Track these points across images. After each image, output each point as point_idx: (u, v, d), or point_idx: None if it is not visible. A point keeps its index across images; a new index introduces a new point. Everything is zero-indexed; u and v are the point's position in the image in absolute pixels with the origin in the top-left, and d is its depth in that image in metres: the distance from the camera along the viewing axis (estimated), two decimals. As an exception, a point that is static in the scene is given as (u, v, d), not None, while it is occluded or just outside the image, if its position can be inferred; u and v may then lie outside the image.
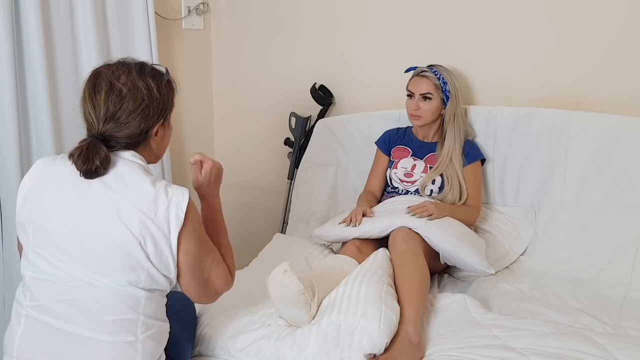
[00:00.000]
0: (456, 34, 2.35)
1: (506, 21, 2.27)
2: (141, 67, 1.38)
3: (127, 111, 1.31)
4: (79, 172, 1.30)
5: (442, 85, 2.12)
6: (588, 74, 2.18)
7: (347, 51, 2.59)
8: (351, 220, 2.01)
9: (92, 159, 1.28)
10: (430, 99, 2.13)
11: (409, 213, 1.95)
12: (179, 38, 2.69)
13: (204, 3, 2.76)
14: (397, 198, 2.17)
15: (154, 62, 2.33)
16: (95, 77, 1.34)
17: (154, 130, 1.38)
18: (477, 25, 2.31)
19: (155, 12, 2.38)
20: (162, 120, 1.40)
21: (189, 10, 2.70)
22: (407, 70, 2.23)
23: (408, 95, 2.18)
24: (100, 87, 1.32)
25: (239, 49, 2.84)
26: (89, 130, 1.34)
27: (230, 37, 2.85)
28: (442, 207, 2.01)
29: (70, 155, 1.31)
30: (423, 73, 2.15)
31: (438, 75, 2.13)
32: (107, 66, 1.37)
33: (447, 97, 2.14)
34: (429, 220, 1.93)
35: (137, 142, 1.37)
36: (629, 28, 2.09)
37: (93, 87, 1.33)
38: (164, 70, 1.44)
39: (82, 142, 1.31)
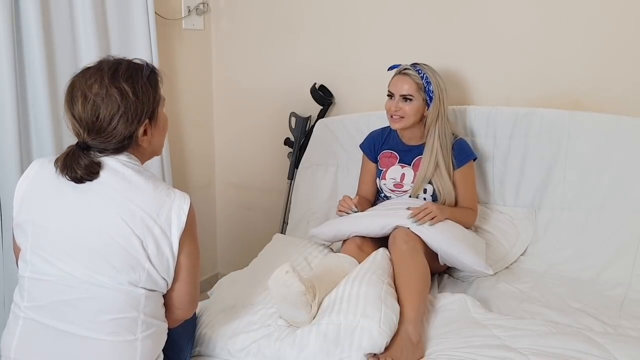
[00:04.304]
0: (456, 34, 2.35)
1: (506, 21, 2.27)
2: (115, 71, 1.33)
3: (105, 121, 1.30)
4: (67, 179, 1.30)
5: (425, 85, 2.01)
6: (588, 73, 2.18)
7: (347, 51, 2.59)
8: (343, 208, 2.01)
9: (73, 169, 1.29)
10: (411, 99, 2.02)
11: (410, 219, 1.89)
12: (179, 38, 2.70)
13: (204, 3, 2.76)
14: (397, 200, 2.16)
15: (154, 63, 2.34)
16: (71, 88, 1.34)
17: (140, 132, 1.36)
18: (477, 26, 2.31)
19: (155, 12, 2.38)
20: (146, 121, 1.37)
21: (189, 10, 2.70)
22: (390, 69, 2.11)
23: (388, 96, 2.06)
24: (76, 99, 1.32)
25: (239, 49, 2.84)
26: (77, 138, 1.35)
27: (230, 37, 2.85)
28: (443, 209, 1.97)
29: (55, 162, 1.32)
30: (405, 71, 2.03)
31: (421, 74, 2.01)
32: (82, 74, 1.35)
33: (430, 98, 2.02)
34: (431, 223, 1.89)
35: (124, 146, 1.36)
36: (629, 28, 2.09)
37: (71, 99, 1.33)
38: (143, 64, 1.39)
39: (67, 149, 1.33)
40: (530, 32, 2.24)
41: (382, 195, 2.23)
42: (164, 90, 1.45)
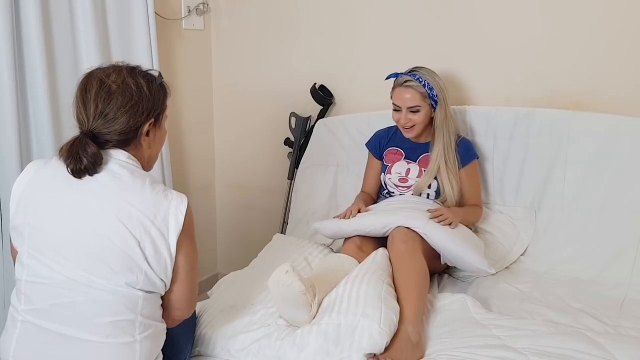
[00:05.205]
0: (456, 34, 2.35)
1: (506, 21, 2.27)
2: (132, 68, 1.40)
3: (115, 107, 1.32)
4: (68, 171, 1.30)
5: (428, 91, 2.03)
6: (588, 73, 2.18)
7: (347, 51, 2.59)
8: (345, 215, 2.03)
9: (79, 158, 1.28)
10: (418, 110, 2.04)
11: (430, 218, 1.92)
12: (179, 38, 2.70)
13: (204, 3, 2.76)
14: (400, 197, 2.17)
15: (154, 63, 2.35)
16: (88, 77, 1.36)
17: (144, 128, 1.38)
18: (477, 25, 2.31)
19: (155, 12, 2.38)
20: (152, 120, 1.39)
21: (189, 10, 2.70)
22: (388, 77, 2.12)
23: (395, 110, 2.09)
24: (91, 86, 1.33)
25: (239, 49, 2.84)
26: (80, 129, 1.35)
27: (230, 37, 2.85)
28: (456, 212, 2.01)
29: (60, 152, 1.32)
30: (407, 83, 2.04)
31: (423, 82, 2.02)
32: (100, 67, 1.38)
33: (436, 102, 2.05)
34: (450, 228, 1.92)
35: (127, 140, 1.36)
36: (630, 28, 2.09)
37: (85, 87, 1.34)
38: (156, 74, 1.45)
39: (72, 138, 1.32)
40: (531, 32, 2.24)
41: (385, 191, 2.24)
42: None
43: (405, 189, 2.17)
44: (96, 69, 1.38)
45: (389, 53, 2.49)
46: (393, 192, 2.21)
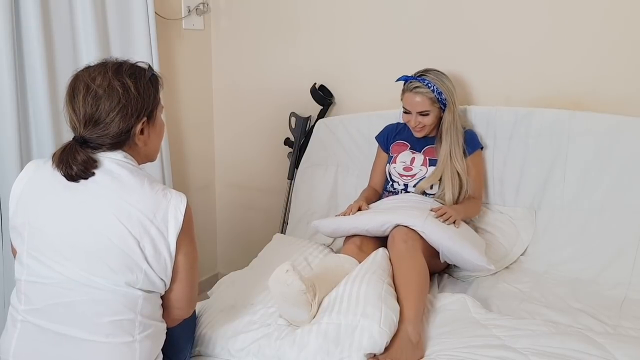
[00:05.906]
0: (456, 34, 2.35)
1: (506, 21, 2.27)
2: (119, 66, 1.36)
3: (104, 112, 1.30)
4: (62, 174, 1.30)
5: (437, 96, 2.08)
6: (588, 74, 2.18)
7: (347, 51, 2.59)
8: (346, 213, 2.05)
9: (69, 164, 1.28)
10: (427, 114, 2.11)
11: (434, 216, 1.94)
12: (179, 38, 2.70)
13: (204, 3, 2.76)
14: (400, 196, 2.17)
15: (154, 63, 2.35)
16: (74, 80, 1.34)
17: (137, 128, 1.36)
18: (477, 26, 2.31)
19: (155, 12, 2.38)
20: (144, 119, 1.37)
21: (189, 10, 2.70)
22: (398, 80, 2.16)
23: (405, 112, 2.15)
24: (78, 90, 1.32)
25: (238, 49, 2.84)
26: (73, 133, 1.35)
27: (230, 37, 2.85)
28: (458, 210, 2.02)
29: (52, 157, 1.32)
30: (416, 90, 2.09)
31: (432, 88, 2.07)
32: (86, 69, 1.36)
33: (445, 105, 2.11)
34: (455, 227, 1.94)
35: (120, 142, 1.35)
36: (630, 28, 2.09)
37: (72, 91, 1.33)
38: (145, 66, 1.41)
39: (64, 144, 1.32)
40: (531, 32, 2.24)
41: (389, 184, 2.25)
42: (163, 91, 1.45)
43: (409, 177, 2.19)
44: (83, 70, 1.36)
45: (389, 53, 2.49)
46: (397, 182, 2.21)
